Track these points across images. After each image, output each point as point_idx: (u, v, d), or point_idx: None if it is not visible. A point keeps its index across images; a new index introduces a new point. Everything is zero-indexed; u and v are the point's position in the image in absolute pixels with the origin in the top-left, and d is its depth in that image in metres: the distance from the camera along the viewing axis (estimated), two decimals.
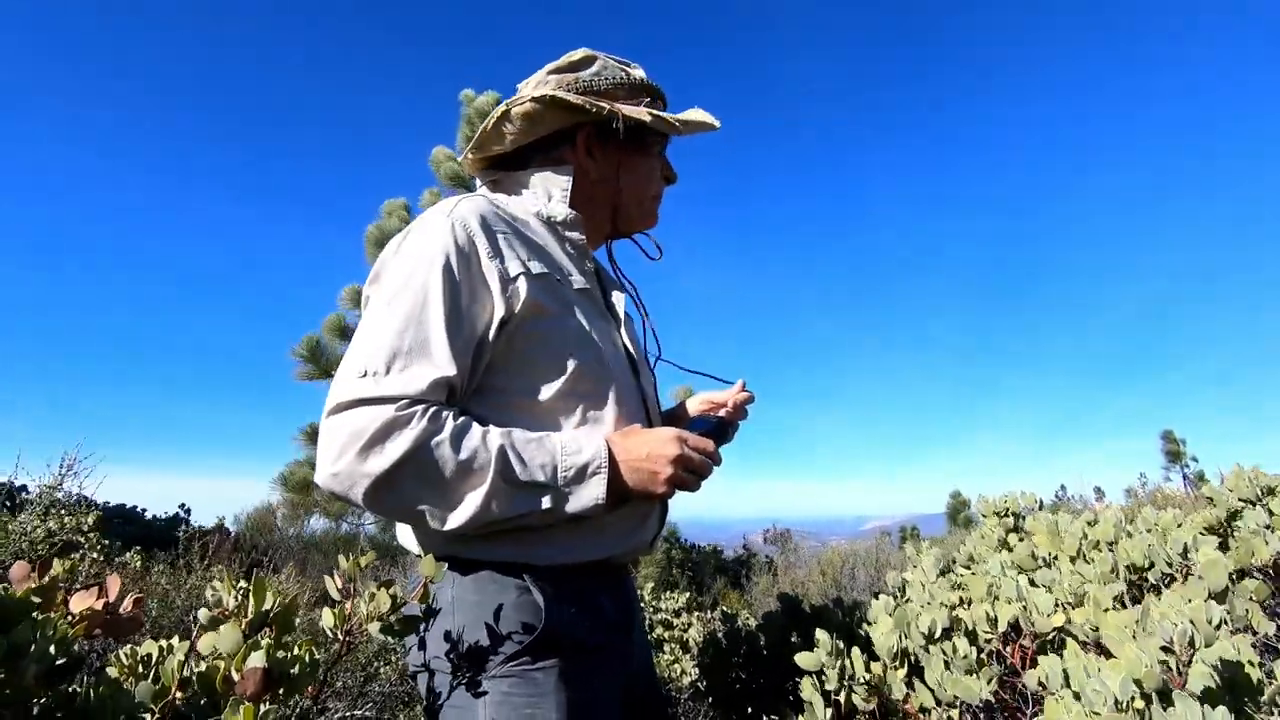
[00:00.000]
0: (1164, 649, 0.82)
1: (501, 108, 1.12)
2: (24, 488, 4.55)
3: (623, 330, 1.16)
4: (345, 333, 5.85)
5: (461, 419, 0.89)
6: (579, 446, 0.92)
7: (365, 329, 0.92)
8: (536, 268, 1.00)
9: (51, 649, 0.62)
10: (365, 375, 0.86)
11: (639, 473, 0.94)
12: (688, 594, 3.85)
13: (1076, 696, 0.80)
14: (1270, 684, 0.76)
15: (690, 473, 0.96)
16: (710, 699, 2.19)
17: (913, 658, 1.16)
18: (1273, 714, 0.75)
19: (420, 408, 0.85)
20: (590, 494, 0.90)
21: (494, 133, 1.14)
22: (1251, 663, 0.77)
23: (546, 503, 0.88)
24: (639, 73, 1.20)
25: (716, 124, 1.18)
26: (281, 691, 0.66)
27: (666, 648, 3.21)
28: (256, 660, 0.63)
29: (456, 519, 0.86)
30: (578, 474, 0.90)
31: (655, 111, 1.12)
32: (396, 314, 0.90)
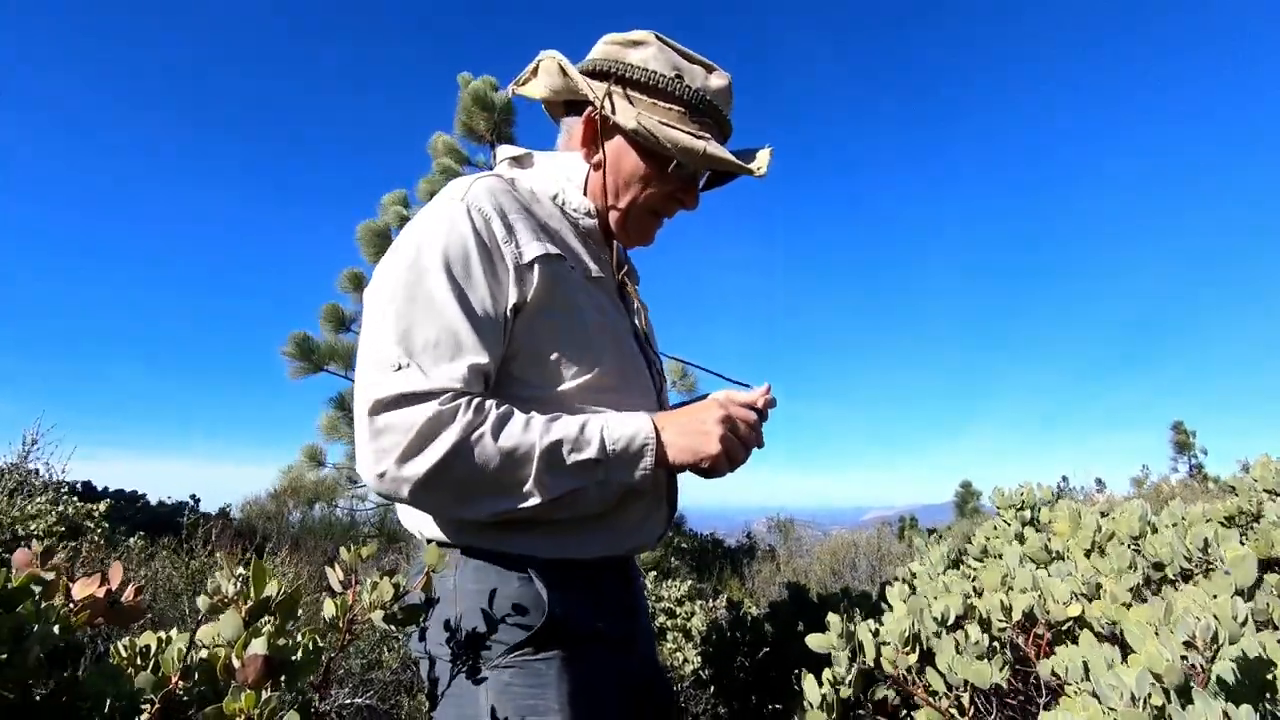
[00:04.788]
0: (1186, 644, 0.79)
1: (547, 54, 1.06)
2: (21, 467, 4.52)
3: (636, 320, 1.12)
4: (342, 322, 5.74)
5: (504, 407, 0.87)
6: (622, 421, 0.91)
7: (388, 318, 0.87)
8: (551, 252, 0.96)
9: (56, 630, 0.61)
10: (400, 369, 0.83)
11: (688, 435, 0.92)
12: (689, 582, 3.85)
13: (1095, 695, 0.78)
14: None
15: (737, 438, 0.93)
16: (712, 687, 2.20)
17: (924, 643, 1.15)
18: None
19: (464, 400, 0.84)
20: (641, 464, 0.90)
21: (529, 73, 1.08)
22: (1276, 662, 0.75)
23: (600, 475, 0.88)
24: (711, 81, 1.04)
25: (745, 167, 1.01)
26: (283, 679, 0.65)
27: (669, 636, 3.21)
28: (257, 648, 0.61)
29: (506, 507, 0.85)
30: (625, 446, 0.89)
31: (648, 125, 0.97)
32: (419, 302, 0.86)
